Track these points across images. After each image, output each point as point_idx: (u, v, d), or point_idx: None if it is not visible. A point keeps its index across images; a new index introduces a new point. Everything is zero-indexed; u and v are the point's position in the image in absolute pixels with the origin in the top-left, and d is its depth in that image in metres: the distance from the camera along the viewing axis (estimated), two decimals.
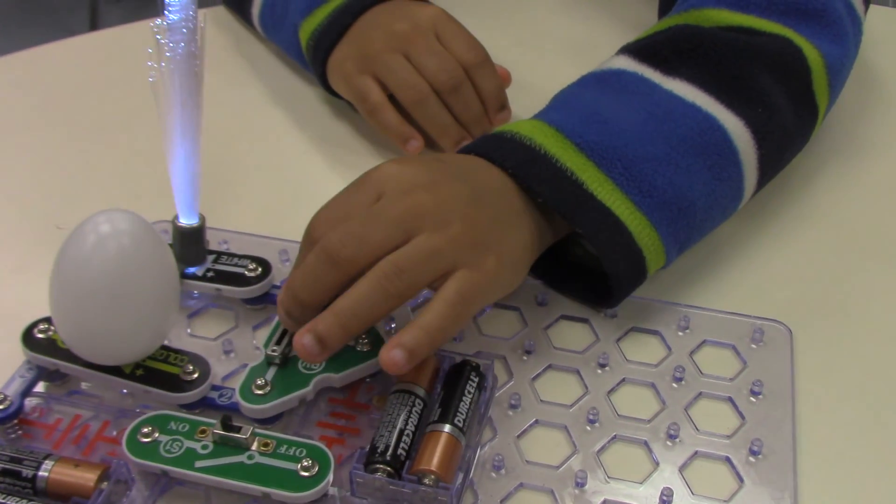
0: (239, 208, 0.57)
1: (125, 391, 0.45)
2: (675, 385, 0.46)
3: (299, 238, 0.45)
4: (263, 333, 0.47)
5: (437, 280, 0.43)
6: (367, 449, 0.41)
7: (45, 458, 0.40)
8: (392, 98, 0.60)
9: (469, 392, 0.43)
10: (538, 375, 0.47)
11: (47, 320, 0.45)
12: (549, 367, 0.47)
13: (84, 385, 0.46)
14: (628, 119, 0.50)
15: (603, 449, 0.44)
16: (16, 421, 0.43)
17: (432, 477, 0.39)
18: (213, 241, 0.53)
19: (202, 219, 0.49)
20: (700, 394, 0.46)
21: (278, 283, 0.50)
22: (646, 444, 0.44)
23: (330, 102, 0.66)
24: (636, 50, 0.54)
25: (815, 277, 0.53)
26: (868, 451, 0.44)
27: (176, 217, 0.48)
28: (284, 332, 0.45)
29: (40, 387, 0.45)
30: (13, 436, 0.43)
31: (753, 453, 0.43)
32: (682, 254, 0.51)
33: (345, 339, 0.42)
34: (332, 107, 0.66)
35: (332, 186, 0.46)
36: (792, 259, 0.54)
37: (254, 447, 0.41)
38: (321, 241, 0.42)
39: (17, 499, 0.39)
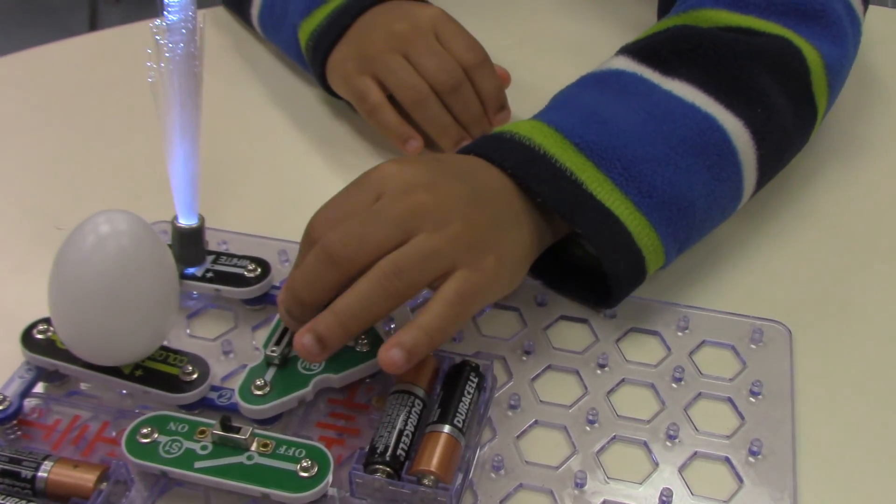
0: (238, 209, 0.57)
1: (124, 392, 0.45)
2: (674, 385, 0.46)
3: (299, 238, 0.45)
4: (263, 334, 0.47)
5: (437, 280, 0.43)
6: (367, 449, 0.41)
7: (45, 458, 0.40)
8: (392, 98, 0.60)
9: (468, 392, 0.43)
10: (538, 376, 0.47)
11: (46, 321, 0.45)
12: (549, 367, 0.47)
13: (83, 386, 0.46)
14: (627, 119, 0.50)
15: (602, 449, 0.44)
16: (15, 421, 0.43)
17: (432, 477, 0.39)
18: (213, 242, 0.53)
19: (201, 219, 0.49)
20: (699, 394, 0.46)
21: (277, 284, 0.50)
22: (645, 444, 0.44)
23: (329, 103, 0.66)
24: (635, 50, 0.54)
25: (814, 278, 0.53)
26: (868, 451, 0.44)
27: (175, 217, 0.48)
28: (284, 333, 0.45)
29: (39, 387, 0.45)
30: (12, 436, 0.43)
31: (753, 453, 0.43)
32: (681, 254, 0.51)
33: (344, 338, 0.42)
34: (331, 107, 0.66)
35: (332, 187, 0.46)
36: (791, 259, 0.54)
37: (253, 448, 0.41)
38: (321, 241, 0.42)
39: (17, 499, 0.39)
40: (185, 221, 0.48)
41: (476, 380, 0.44)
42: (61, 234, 0.42)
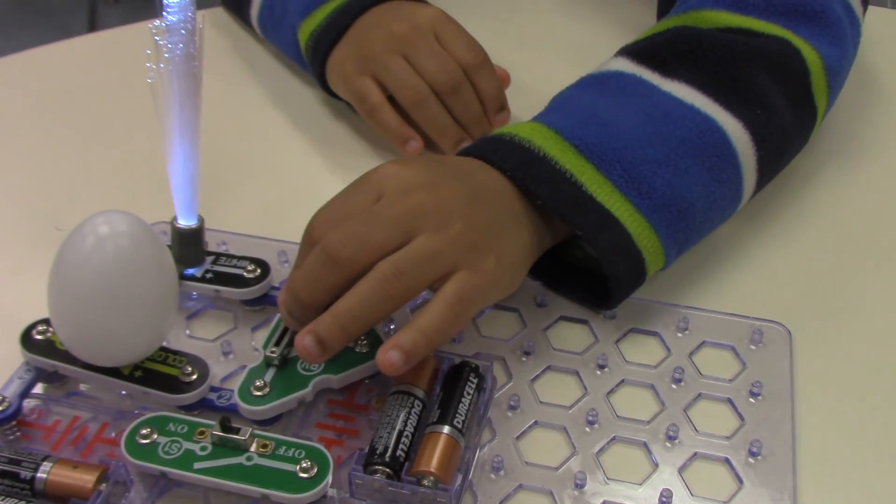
0: (238, 209, 0.57)
1: (124, 392, 0.45)
2: (674, 386, 0.46)
3: (298, 239, 0.45)
4: (262, 335, 0.47)
5: (437, 281, 0.43)
6: (366, 450, 0.41)
7: (44, 459, 0.40)
8: (391, 99, 0.60)
9: (468, 393, 0.43)
10: (537, 376, 0.47)
11: (46, 321, 0.45)
12: (549, 368, 0.47)
13: (83, 386, 0.46)
14: (627, 121, 0.50)
15: (602, 450, 0.44)
16: (14, 422, 0.43)
17: (431, 478, 0.39)
18: (212, 243, 0.53)
19: (201, 220, 0.49)
20: (699, 395, 0.46)
21: (277, 285, 0.50)
22: (645, 445, 0.44)
23: (329, 103, 0.66)
24: (635, 52, 0.54)
25: (814, 278, 0.53)
26: (867, 452, 0.44)
27: (174, 218, 0.48)
28: (283, 334, 0.45)
29: (39, 388, 0.45)
30: (11, 437, 0.43)
31: (753, 454, 0.43)
32: (681, 255, 0.51)
33: (345, 340, 0.42)
34: (331, 108, 0.66)
35: (332, 187, 0.46)
36: (791, 260, 0.54)
37: (253, 448, 0.40)
38: (321, 242, 0.42)
39: (16, 500, 0.39)
40: (185, 222, 0.48)
41: (476, 380, 0.44)
42: (60, 235, 0.42)
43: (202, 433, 0.41)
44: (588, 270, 0.50)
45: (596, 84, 0.53)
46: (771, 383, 0.46)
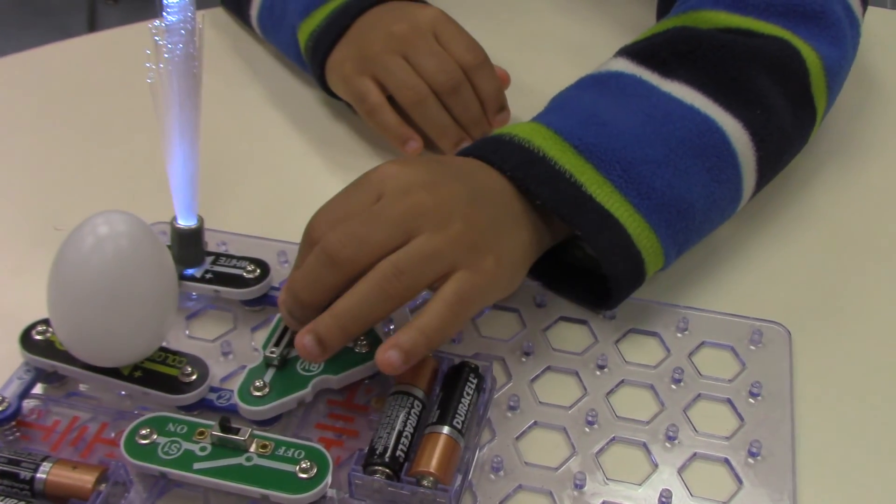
0: (237, 210, 0.57)
1: (123, 393, 0.45)
2: (673, 386, 0.46)
3: (298, 239, 0.45)
4: (262, 335, 0.47)
5: (437, 281, 0.43)
6: (366, 450, 0.41)
7: (43, 459, 0.40)
8: (391, 99, 0.60)
9: (468, 393, 0.43)
10: (537, 377, 0.47)
11: (45, 322, 0.45)
12: (548, 368, 0.47)
13: (82, 387, 0.46)
14: (627, 121, 0.50)
15: (602, 450, 0.44)
16: (14, 423, 0.43)
17: (431, 479, 0.39)
18: (212, 243, 0.53)
19: (200, 220, 0.49)
20: (699, 395, 0.46)
21: (277, 285, 0.50)
22: (645, 445, 0.44)
23: (329, 104, 0.66)
24: (634, 52, 0.54)
25: (813, 279, 0.53)
26: (867, 452, 0.44)
27: (174, 218, 0.48)
28: (283, 334, 0.45)
29: (38, 388, 0.45)
30: (11, 438, 0.43)
31: (752, 454, 0.43)
32: (680, 255, 0.51)
33: (344, 340, 0.42)
34: (330, 108, 0.66)
35: (331, 188, 0.46)
36: (790, 260, 0.54)
37: (252, 449, 0.40)
38: (321, 242, 0.42)
39: (15, 501, 0.39)
40: (185, 222, 0.48)
41: (475, 381, 0.44)
42: (60, 235, 0.42)
43: (202, 433, 0.41)
44: (588, 271, 0.50)
45: (595, 84, 0.53)
46: (770, 383, 0.46)
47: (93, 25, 2.15)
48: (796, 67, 0.54)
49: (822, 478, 0.43)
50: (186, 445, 0.41)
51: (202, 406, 0.44)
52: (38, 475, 0.39)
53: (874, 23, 0.68)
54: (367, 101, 0.59)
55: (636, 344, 0.49)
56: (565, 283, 0.51)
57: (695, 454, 0.43)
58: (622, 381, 0.47)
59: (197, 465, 0.40)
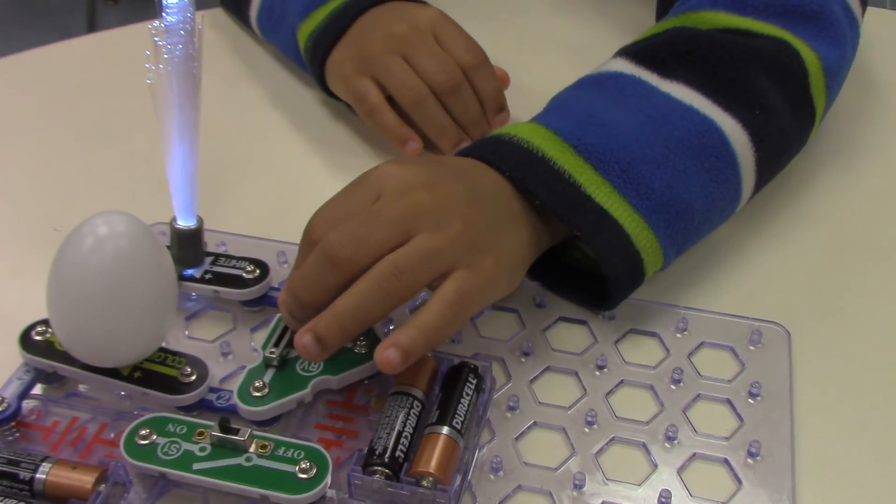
0: (237, 210, 0.57)
1: (123, 393, 0.45)
2: (673, 387, 0.46)
3: (297, 240, 0.45)
4: (261, 335, 0.47)
5: (436, 280, 0.43)
6: (366, 451, 0.41)
7: (43, 460, 0.40)
8: (391, 100, 0.60)
9: (467, 394, 0.43)
10: (536, 377, 0.47)
11: (45, 322, 0.45)
12: (548, 368, 0.47)
13: (82, 387, 0.46)
14: (626, 122, 0.50)
15: (601, 451, 0.44)
16: (13, 423, 0.43)
17: (430, 479, 0.39)
18: (211, 243, 0.53)
19: (200, 221, 0.49)
20: (698, 395, 0.46)
21: (276, 285, 0.50)
22: (644, 445, 0.44)
23: (328, 104, 0.66)
24: (633, 52, 0.54)
25: (813, 279, 0.53)
26: (866, 453, 0.44)
27: (174, 219, 0.48)
28: (282, 335, 0.45)
29: (38, 389, 0.45)
30: (10, 438, 0.43)
31: (752, 455, 0.43)
32: (679, 256, 0.51)
33: (343, 339, 0.42)
34: (330, 108, 0.66)
35: (331, 188, 0.46)
36: (790, 261, 0.54)
37: (252, 449, 0.40)
38: (321, 243, 0.42)
39: (15, 501, 0.39)
40: (184, 223, 0.48)
41: (475, 381, 0.44)
42: (60, 236, 0.42)
43: (201, 434, 0.41)
44: (587, 271, 0.50)
45: (595, 85, 0.53)
46: (770, 384, 0.46)
47: (92, 26, 2.15)
48: (795, 68, 0.54)
49: (821, 478, 0.43)
50: (186, 446, 0.41)
51: (202, 406, 0.44)
52: (38, 475, 0.40)
53: (873, 23, 0.68)
54: (366, 101, 0.59)
55: (636, 344, 0.49)
56: (564, 283, 0.51)
57: (694, 454, 0.43)
58: (622, 382, 0.47)
59: (196, 466, 0.40)
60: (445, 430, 0.41)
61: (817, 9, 0.56)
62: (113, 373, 0.44)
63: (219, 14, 0.76)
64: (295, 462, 0.40)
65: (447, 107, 0.59)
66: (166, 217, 0.49)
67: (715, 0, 0.56)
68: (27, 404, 0.44)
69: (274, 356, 0.44)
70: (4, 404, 0.43)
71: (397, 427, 0.41)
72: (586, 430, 0.44)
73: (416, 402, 0.42)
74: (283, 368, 0.44)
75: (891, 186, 0.60)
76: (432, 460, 0.40)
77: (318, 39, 0.62)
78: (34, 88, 0.69)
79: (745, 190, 0.52)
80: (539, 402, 0.46)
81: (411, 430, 0.41)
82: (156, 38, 0.44)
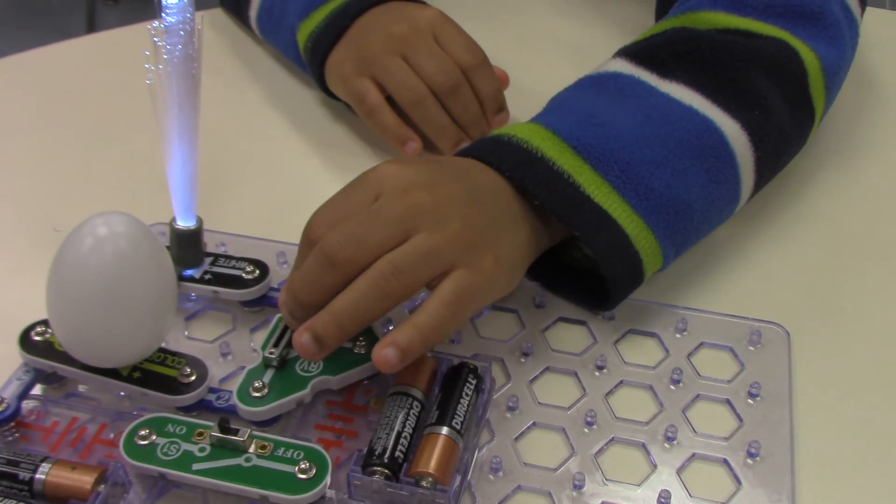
0: (236, 210, 0.57)
1: (122, 394, 0.45)
2: (672, 387, 0.46)
3: (297, 240, 0.45)
4: (261, 336, 0.47)
5: (435, 280, 0.43)
6: (365, 451, 0.41)
7: (42, 460, 0.40)
8: (390, 100, 0.60)
9: (467, 394, 0.43)
10: (536, 377, 0.47)
11: (44, 323, 0.45)
12: (547, 369, 0.47)
13: (81, 387, 0.46)
14: (625, 122, 0.50)
15: (601, 451, 0.44)
16: (13, 423, 0.43)
17: (430, 479, 0.39)
18: (211, 244, 0.53)
19: (199, 221, 0.49)
20: (698, 396, 0.46)
21: (276, 286, 0.50)
22: (643, 446, 0.44)
23: (328, 104, 0.66)
24: (633, 53, 0.54)
25: (812, 279, 0.53)
26: (866, 453, 0.44)
27: (173, 219, 0.48)
28: (282, 335, 0.45)
29: (37, 389, 0.45)
30: (10, 438, 0.43)
31: (751, 455, 0.43)
32: (679, 256, 0.51)
33: (342, 338, 0.42)
34: (329, 109, 0.66)
35: (330, 188, 0.46)
36: (789, 261, 0.54)
37: (251, 450, 0.41)
38: (320, 243, 0.42)
39: (14, 502, 0.39)
40: (184, 223, 0.48)
41: (474, 381, 0.44)
42: (59, 236, 0.42)
43: (201, 434, 0.41)
44: (586, 271, 0.50)
45: (594, 85, 0.53)
46: (769, 384, 0.46)
47: (92, 26, 2.15)
48: (794, 68, 0.54)
49: (820, 478, 0.43)
50: (185, 446, 0.41)
51: (201, 407, 0.44)
52: (38, 476, 0.40)
53: (873, 23, 0.68)
54: (366, 101, 0.59)
55: (635, 344, 0.49)
56: (564, 283, 0.51)
57: (693, 455, 0.43)
58: (621, 382, 0.47)
59: (196, 466, 0.40)
60: (445, 430, 0.41)
61: (816, 9, 0.56)
62: (112, 373, 0.44)
63: (218, 14, 0.76)
64: (294, 462, 0.40)
65: (447, 107, 0.59)
66: (166, 217, 0.49)
67: (714, 0, 0.56)
68: (27, 405, 0.44)
69: (273, 356, 0.44)
70: (4, 404, 0.43)
71: (397, 427, 0.41)
72: (586, 430, 0.44)
73: (415, 403, 0.42)
74: (283, 369, 0.44)
75: (890, 186, 0.60)
76: (432, 461, 0.40)
77: (317, 40, 0.62)
78: (34, 88, 0.69)
79: (745, 190, 0.52)
80: (538, 403, 0.46)
81: (411, 431, 0.41)
82: (155, 39, 0.44)
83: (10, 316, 0.46)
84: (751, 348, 0.48)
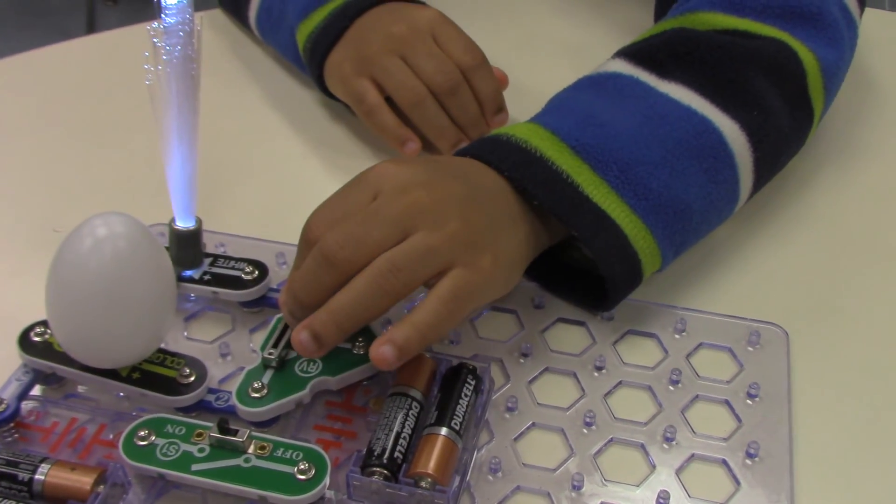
0: (236, 211, 0.57)
1: (121, 394, 0.45)
2: (671, 388, 0.46)
3: (296, 241, 0.45)
4: (260, 336, 0.47)
5: (433, 278, 0.43)
6: (364, 452, 0.41)
7: (42, 461, 0.40)
8: (389, 100, 0.60)
9: (466, 395, 0.43)
10: (535, 378, 0.47)
11: (44, 323, 0.45)
12: (546, 369, 0.47)
13: (80, 388, 0.46)
14: (624, 122, 0.50)
15: (600, 452, 0.44)
16: (12, 424, 0.43)
17: (429, 480, 0.40)
18: (210, 244, 0.53)
19: (199, 222, 0.49)
20: (697, 396, 0.46)
21: (275, 286, 0.50)
22: (642, 446, 0.44)
23: (327, 105, 0.66)
24: (632, 53, 0.54)
25: (811, 280, 0.53)
26: (865, 454, 0.44)
27: (172, 220, 0.48)
28: (281, 336, 0.45)
29: (37, 390, 0.45)
30: (9, 439, 0.43)
31: (750, 456, 0.43)
32: (678, 257, 0.51)
33: (340, 336, 0.42)
34: (329, 109, 0.66)
35: (329, 189, 0.46)
36: (788, 261, 0.54)
37: (250, 450, 0.41)
38: (319, 243, 0.42)
39: (14, 502, 0.39)
40: (183, 224, 0.48)
41: (473, 382, 0.44)
42: (58, 237, 0.42)
43: (200, 435, 0.41)
44: (585, 272, 0.50)
45: (593, 85, 0.53)
46: (768, 385, 0.46)
47: (92, 27, 2.15)
48: (793, 69, 0.54)
49: (819, 478, 0.43)
50: (185, 447, 0.41)
51: (200, 407, 0.44)
52: (37, 476, 0.40)
53: (872, 24, 0.68)
54: (365, 101, 0.59)
55: (634, 345, 0.49)
56: (563, 284, 0.51)
57: (692, 455, 0.43)
58: (620, 383, 0.47)
59: (195, 467, 0.40)
60: (444, 430, 0.41)
61: (815, 10, 0.56)
62: (112, 374, 0.44)
63: (218, 15, 0.76)
64: (294, 463, 0.40)
65: (446, 107, 0.59)
66: (165, 218, 0.49)
67: (713, 1, 0.56)
68: (26, 405, 0.44)
69: (273, 357, 0.44)
70: (3, 405, 0.43)
71: (396, 428, 0.41)
72: (585, 430, 0.44)
73: (414, 403, 0.42)
74: (282, 369, 0.44)
75: (890, 186, 0.60)
76: (431, 461, 0.40)
77: (316, 40, 0.62)
78: (34, 89, 0.69)
79: (744, 190, 0.52)
80: (538, 403, 0.46)
81: (410, 431, 0.41)
82: (155, 40, 0.44)
83: (10, 316, 0.46)
84: (750, 349, 0.48)
